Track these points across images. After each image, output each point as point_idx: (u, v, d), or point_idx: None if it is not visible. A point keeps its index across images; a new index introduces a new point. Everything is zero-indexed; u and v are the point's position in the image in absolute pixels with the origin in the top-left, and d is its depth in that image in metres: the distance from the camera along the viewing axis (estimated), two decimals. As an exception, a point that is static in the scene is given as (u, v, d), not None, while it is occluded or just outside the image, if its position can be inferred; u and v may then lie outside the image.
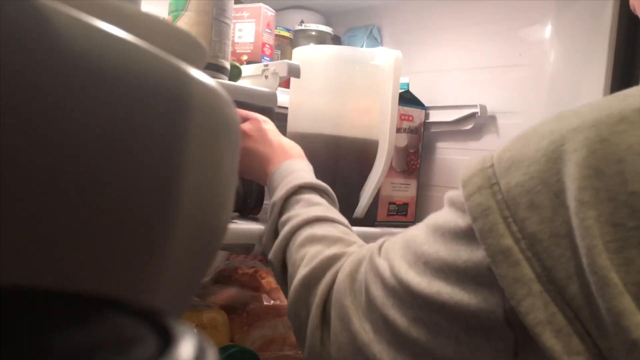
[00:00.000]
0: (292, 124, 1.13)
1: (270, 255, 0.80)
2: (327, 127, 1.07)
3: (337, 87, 1.07)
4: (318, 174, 1.09)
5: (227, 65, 0.94)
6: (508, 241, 0.47)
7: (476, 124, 1.24)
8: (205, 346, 0.17)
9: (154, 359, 0.15)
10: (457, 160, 1.28)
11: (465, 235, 0.52)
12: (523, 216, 0.47)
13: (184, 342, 0.17)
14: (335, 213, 0.82)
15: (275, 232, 0.83)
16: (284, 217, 0.81)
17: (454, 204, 0.54)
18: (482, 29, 1.26)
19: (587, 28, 1.08)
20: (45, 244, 0.22)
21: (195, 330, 0.18)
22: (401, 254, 0.58)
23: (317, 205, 0.81)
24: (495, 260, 0.47)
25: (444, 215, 0.55)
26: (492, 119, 1.23)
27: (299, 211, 0.80)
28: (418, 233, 0.58)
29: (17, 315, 0.17)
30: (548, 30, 1.15)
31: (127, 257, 0.24)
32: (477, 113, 1.22)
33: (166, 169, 0.25)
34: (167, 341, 0.17)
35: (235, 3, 0.98)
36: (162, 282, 0.26)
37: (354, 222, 1.07)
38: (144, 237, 0.24)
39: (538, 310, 0.45)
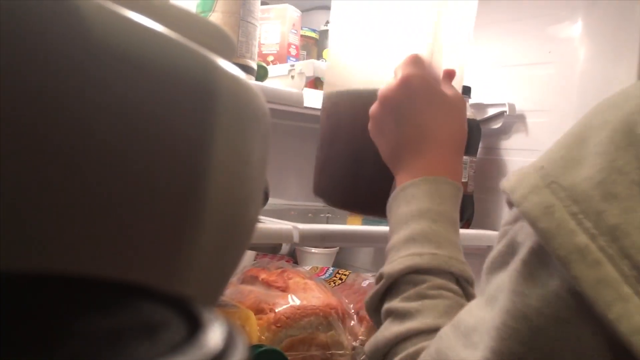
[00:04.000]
0: (334, 82, 0.84)
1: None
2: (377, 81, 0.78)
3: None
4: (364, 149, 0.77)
5: (254, 65, 0.95)
6: (582, 238, 0.41)
7: (505, 122, 1.22)
8: (235, 333, 0.17)
9: (182, 343, 0.15)
10: (485, 160, 1.26)
11: (530, 267, 0.44)
12: (598, 209, 0.41)
13: (212, 329, 0.17)
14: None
15: (376, 313, 0.65)
16: (390, 307, 0.61)
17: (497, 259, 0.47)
18: (510, 26, 1.24)
19: (617, 25, 1.06)
20: (78, 231, 0.22)
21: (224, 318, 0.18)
22: (453, 343, 0.49)
23: (436, 310, 0.59)
24: (570, 261, 0.40)
25: (490, 284, 0.47)
26: (521, 117, 1.22)
27: (415, 313, 0.59)
28: (465, 317, 0.49)
29: (47, 300, 0.17)
30: (578, 28, 1.13)
31: (158, 246, 0.24)
32: (506, 112, 1.20)
33: (194, 157, 0.25)
34: (196, 327, 0.17)
35: (261, 4, 0.99)
36: (193, 272, 0.26)
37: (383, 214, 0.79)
38: (174, 225, 0.24)
39: (632, 316, 0.38)
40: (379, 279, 0.63)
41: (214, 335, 0.16)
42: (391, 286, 0.62)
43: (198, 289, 0.27)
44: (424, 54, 0.71)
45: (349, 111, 0.80)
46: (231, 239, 0.30)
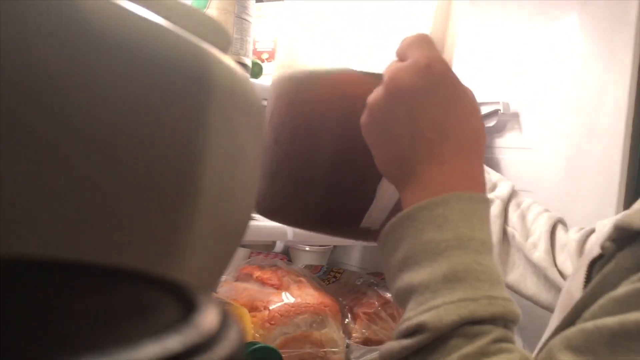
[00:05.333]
0: (296, 60, 0.64)
1: None
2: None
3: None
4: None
5: (249, 62, 0.95)
6: None
7: (499, 120, 1.22)
8: (229, 316, 0.17)
9: (177, 324, 0.15)
10: (479, 158, 1.26)
11: None
12: None
13: (208, 311, 0.17)
14: None
15: None
16: None
17: None
18: (504, 24, 1.25)
19: (612, 23, 1.06)
20: (72, 222, 0.22)
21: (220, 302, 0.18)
22: None
23: None
24: None
25: None
26: (515, 115, 1.22)
27: None
28: None
29: (45, 283, 0.17)
30: (573, 26, 1.13)
31: (150, 237, 0.24)
32: (500, 110, 1.21)
33: (187, 148, 0.25)
34: (191, 310, 0.17)
35: (256, 2, 0.99)
36: (186, 264, 0.26)
37: (361, 235, 0.62)
38: (167, 217, 0.24)
39: None
40: (413, 330, 0.47)
41: (209, 317, 0.16)
42: (433, 341, 0.47)
43: (194, 277, 0.27)
44: (435, 35, 0.55)
45: (329, 99, 0.60)
46: (224, 232, 0.30)
